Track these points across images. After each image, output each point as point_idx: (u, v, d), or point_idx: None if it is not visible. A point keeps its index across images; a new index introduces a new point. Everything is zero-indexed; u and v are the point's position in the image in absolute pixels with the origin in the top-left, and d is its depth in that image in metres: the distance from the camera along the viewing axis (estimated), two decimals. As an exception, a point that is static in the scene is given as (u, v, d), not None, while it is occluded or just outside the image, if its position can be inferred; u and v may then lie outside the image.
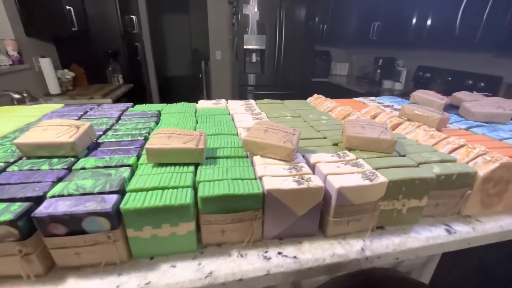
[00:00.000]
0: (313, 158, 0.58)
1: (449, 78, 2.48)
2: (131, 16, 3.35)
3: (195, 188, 0.48)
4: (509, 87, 2.06)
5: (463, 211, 0.59)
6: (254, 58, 3.26)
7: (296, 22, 3.12)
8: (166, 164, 0.54)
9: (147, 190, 0.47)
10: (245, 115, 0.85)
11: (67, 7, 2.37)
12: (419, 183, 0.52)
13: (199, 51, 5.42)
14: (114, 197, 0.43)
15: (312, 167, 0.56)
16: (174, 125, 0.77)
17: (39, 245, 0.42)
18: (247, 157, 0.60)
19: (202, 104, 0.98)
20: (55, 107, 0.89)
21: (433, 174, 0.53)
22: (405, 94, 2.78)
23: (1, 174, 0.49)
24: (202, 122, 0.79)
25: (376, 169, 0.54)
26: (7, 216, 0.38)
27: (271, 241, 0.52)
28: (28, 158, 0.56)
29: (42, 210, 0.40)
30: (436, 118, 0.73)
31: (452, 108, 1.01)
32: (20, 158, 0.56)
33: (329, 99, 1.03)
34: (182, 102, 0.99)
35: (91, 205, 0.41)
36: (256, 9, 3.02)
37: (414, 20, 2.47)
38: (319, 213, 0.51)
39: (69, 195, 0.44)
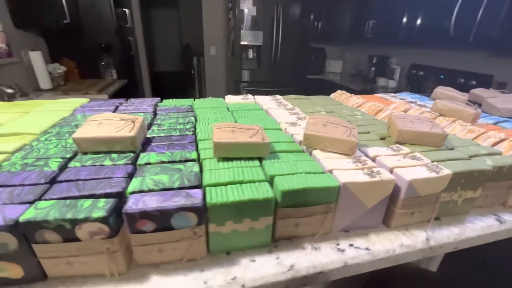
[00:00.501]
0: (371, 152, 0.59)
1: (442, 77, 2.57)
2: (124, 9, 3.25)
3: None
4: (499, 86, 2.16)
5: (509, 201, 0.62)
6: (250, 54, 3.25)
7: (293, 19, 3.13)
8: (232, 159, 0.53)
9: (224, 184, 0.46)
10: (280, 110, 0.85)
11: (59, -3, 2.26)
12: (477, 175, 0.55)
13: (191, 46, 5.33)
14: (199, 192, 0.42)
15: (372, 161, 0.57)
16: (213, 120, 0.76)
17: (123, 242, 0.41)
18: (303, 151, 0.60)
19: (231, 99, 0.97)
20: (82, 101, 0.86)
21: (490, 167, 0.55)
22: (398, 91, 2.85)
23: (66, 170, 0.47)
24: (241, 117, 0.78)
25: (433, 162, 0.56)
26: (100, 213, 0.37)
27: (339, 234, 0.53)
28: (85, 153, 0.53)
29: (132, 206, 0.39)
30: (471, 113, 0.75)
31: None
32: (76, 153, 0.54)
33: (354, 95, 1.05)
34: (210, 97, 0.97)
35: (179, 200, 0.40)
36: (253, 5, 3.00)
37: (408, 19, 2.53)
38: (385, 205, 0.53)
39: (150, 190, 0.43)
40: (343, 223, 0.52)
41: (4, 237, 0.36)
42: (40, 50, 2.31)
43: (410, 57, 2.93)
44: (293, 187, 0.45)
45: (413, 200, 0.52)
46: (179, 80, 5.76)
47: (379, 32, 2.95)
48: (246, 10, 3.00)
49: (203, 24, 3.72)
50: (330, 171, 0.51)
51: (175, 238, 0.42)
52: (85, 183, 0.43)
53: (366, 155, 0.58)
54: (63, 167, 0.49)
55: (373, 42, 3.11)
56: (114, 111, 0.79)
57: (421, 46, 2.76)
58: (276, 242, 0.50)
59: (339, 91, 1.10)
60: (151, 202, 0.39)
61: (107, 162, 0.50)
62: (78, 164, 0.49)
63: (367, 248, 0.50)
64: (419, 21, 2.41)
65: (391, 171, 0.52)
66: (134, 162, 0.52)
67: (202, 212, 0.41)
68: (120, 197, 0.42)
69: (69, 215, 0.36)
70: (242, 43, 3.13)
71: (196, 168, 0.50)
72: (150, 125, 0.70)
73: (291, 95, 1.04)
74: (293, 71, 3.41)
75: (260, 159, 0.55)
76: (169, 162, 0.52)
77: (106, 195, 0.42)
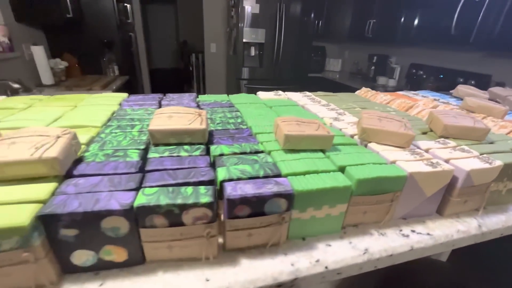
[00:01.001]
0: (422, 145, 0.62)
1: (441, 76, 2.65)
2: (126, 4, 3.21)
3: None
4: (497, 86, 2.25)
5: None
6: (253, 51, 3.26)
7: (295, 16, 3.16)
8: (298, 151, 0.56)
9: (301, 174, 0.49)
10: (317, 106, 0.88)
11: (62, -9, 2.22)
12: (522, 167, 0.59)
13: (188, 43, 5.30)
14: (286, 180, 0.45)
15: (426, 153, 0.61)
16: (257, 115, 0.78)
17: (219, 227, 0.43)
18: (357, 144, 0.63)
19: (265, 95, 0.99)
20: (123, 96, 0.87)
21: (534, 158, 0.60)
22: (398, 90, 2.93)
23: (150, 160, 0.49)
24: (283, 113, 0.81)
25: (481, 154, 0.60)
26: (206, 198, 0.39)
27: (398, 221, 0.56)
28: (156, 145, 0.55)
29: (233, 192, 0.41)
30: (502, 109, 0.80)
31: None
32: (146, 145, 0.55)
33: (380, 92, 1.09)
34: (243, 93, 0.99)
35: (272, 187, 0.43)
36: (255, 2, 3.01)
37: (408, 19, 2.60)
38: (442, 195, 0.56)
39: (238, 179, 0.45)
40: (404, 211, 0.56)
41: (118, 221, 0.37)
42: (41, 45, 2.27)
43: (410, 56, 3.01)
44: (368, 176, 0.48)
45: (468, 189, 0.56)
46: (175, 77, 5.73)
47: (379, 32, 3.02)
48: (248, 8, 3.01)
49: (204, 21, 3.71)
50: (393, 162, 0.54)
51: (265, 223, 0.44)
52: (176, 172, 0.45)
53: (419, 148, 0.62)
54: (143, 158, 0.51)
55: (373, 41, 3.18)
56: (159, 105, 0.80)
57: (421, 46, 2.84)
58: (344, 228, 0.53)
59: (364, 89, 1.14)
60: (249, 189, 0.42)
61: (183, 153, 0.52)
62: (157, 155, 0.51)
63: (428, 234, 0.53)
64: (419, 21, 2.49)
65: (446, 162, 0.56)
66: (206, 153, 0.54)
67: (292, 198, 0.43)
68: (212, 185, 0.44)
69: (179, 200, 0.38)
70: (244, 40, 3.14)
71: (269, 158, 0.52)
72: (201, 119, 0.72)
73: (319, 92, 1.08)
74: (295, 69, 3.45)
75: (323, 151, 0.57)
76: (242, 153, 0.54)
77: (200, 183, 0.44)
